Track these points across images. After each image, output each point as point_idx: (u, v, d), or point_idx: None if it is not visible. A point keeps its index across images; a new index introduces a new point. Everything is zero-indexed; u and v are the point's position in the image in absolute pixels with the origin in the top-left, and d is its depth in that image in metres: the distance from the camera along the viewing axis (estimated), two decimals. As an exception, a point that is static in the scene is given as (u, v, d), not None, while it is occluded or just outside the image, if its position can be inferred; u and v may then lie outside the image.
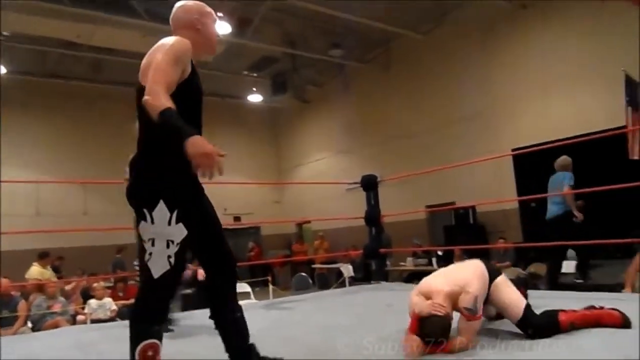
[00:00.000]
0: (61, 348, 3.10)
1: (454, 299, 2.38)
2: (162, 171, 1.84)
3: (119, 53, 11.39)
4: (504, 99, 10.43)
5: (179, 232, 1.81)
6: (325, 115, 15.51)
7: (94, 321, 6.23)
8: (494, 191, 9.81)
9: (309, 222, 15.56)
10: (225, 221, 14.57)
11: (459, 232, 10.75)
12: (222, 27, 10.58)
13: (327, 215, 11.97)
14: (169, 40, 1.91)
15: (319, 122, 15.88)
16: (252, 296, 7.64)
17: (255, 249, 15.08)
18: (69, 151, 13.19)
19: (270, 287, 8.54)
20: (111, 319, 6.27)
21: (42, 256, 8.51)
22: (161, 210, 1.79)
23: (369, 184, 5.76)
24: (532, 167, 9.43)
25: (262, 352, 2.17)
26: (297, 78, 14.09)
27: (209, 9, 2.17)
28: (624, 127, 7.07)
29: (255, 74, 14.54)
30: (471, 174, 10.24)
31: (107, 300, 6.79)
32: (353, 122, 13.87)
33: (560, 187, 6.01)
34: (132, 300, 7.69)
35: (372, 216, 5.72)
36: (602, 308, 2.49)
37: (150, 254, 1.80)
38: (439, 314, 2.30)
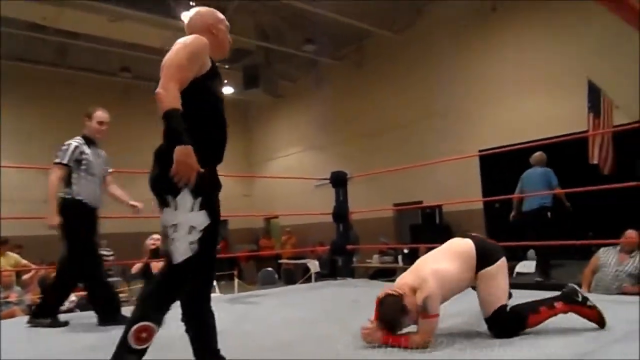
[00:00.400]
0: (12, 339, 2.99)
1: (413, 291, 2.42)
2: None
3: (86, 38, 11.07)
4: (473, 100, 10.61)
5: (202, 219, 1.86)
6: (297, 110, 15.46)
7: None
8: (461, 191, 9.97)
9: (277, 217, 15.51)
10: (192, 214, 14.58)
11: (425, 231, 10.88)
12: (195, 17, 10.42)
13: (295, 211, 11.94)
14: (186, 38, 1.99)
15: (291, 118, 15.83)
16: (217, 290, 7.56)
17: (221, 242, 14.94)
18: (33, 137, 12.74)
19: (236, 281, 8.47)
20: (69, 310, 6.09)
21: (1, 243, 8.18)
22: (184, 197, 1.84)
23: (338, 181, 5.77)
24: (498, 168, 9.64)
25: (225, 347, 2.15)
26: (270, 72, 13.98)
27: (222, 16, 2.30)
28: (586, 131, 7.31)
29: (227, 66, 14.34)
30: (439, 173, 10.40)
31: (66, 291, 6.59)
32: (325, 118, 13.86)
33: (543, 182, 6.24)
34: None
35: (341, 213, 5.73)
36: (583, 302, 2.46)
37: (172, 239, 1.84)
38: (394, 293, 2.39)
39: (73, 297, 6.57)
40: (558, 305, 2.47)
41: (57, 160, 3.44)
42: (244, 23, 11.51)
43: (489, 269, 2.51)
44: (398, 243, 11.13)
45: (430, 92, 11.35)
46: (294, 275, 10.80)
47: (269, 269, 9.83)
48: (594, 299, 2.55)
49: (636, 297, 3.86)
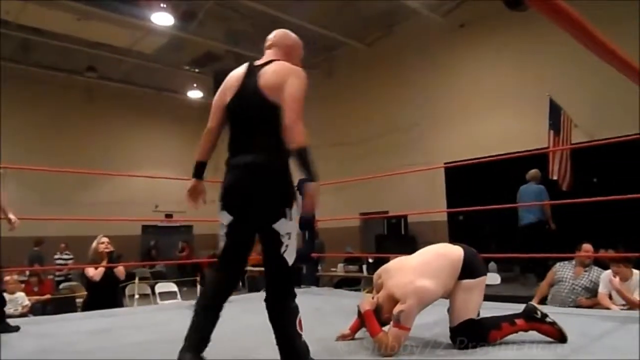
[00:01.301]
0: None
1: (395, 301, 2.49)
2: (290, 174, 2.16)
3: (50, 35, 10.77)
4: (440, 114, 10.81)
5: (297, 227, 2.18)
6: (265, 117, 15.37)
7: (2, 317, 5.78)
8: (426, 203, 10.11)
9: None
10: (157, 218, 14.12)
11: (390, 241, 10.98)
12: (165, 19, 10.27)
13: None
14: (300, 71, 2.21)
15: (259, 124, 15.73)
16: (178, 296, 7.42)
17: (186, 248, 14.69)
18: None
19: (199, 287, 8.32)
20: (22, 315, 5.86)
21: None
22: (293, 210, 2.13)
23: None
24: (462, 181, 9.85)
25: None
26: (240, 77, 13.88)
27: (300, 43, 2.51)
28: (547, 148, 7.54)
29: (196, 70, 14.20)
30: (405, 184, 10.53)
31: (20, 294, 6.33)
32: (293, 126, 13.82)
33: (538, 197, 6.72)
34: (47, 296, 7.28)
35: (306, 221, 5.71)
36: (542, 319, 2.52)
37: (287, 246, 2.10)
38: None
39: (27, 301, 6.34)
40: (519, 322, 2.53)
41: None
42: (215, 28, 11.43)
43: (469, 281, 2.55)
44: (363, 252, 11.18)
45: (399, 105, 11.52)
46: (258, 283, 10.69)
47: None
48: (550, 312, 2.62)
49: (590, 310, 3.99)
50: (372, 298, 2.68)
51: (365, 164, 11.37)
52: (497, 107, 9.89)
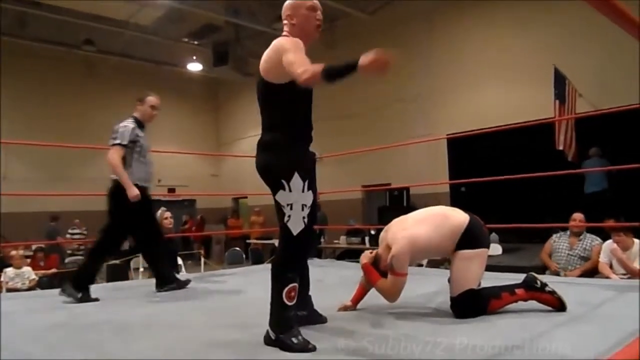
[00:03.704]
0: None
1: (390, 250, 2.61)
2: (294, 149, 2.22)
3: (47, 8, 10.62)
4: (444, 85, 10.70)
5: (310, 197, 2.22)
6: (267, 89, 15.24)
7: (10, 290, 5.88)
8: (429, 174, 10.10)
9: (246, 196, 15.42)
10: (159, 192, 14.23)
11: (392, 213, 10.97)
12: (163, -11, 10.11)
13: (264, 191, 11.83)
14: (284, 42, 2.25)
15: (261, 97, 15.60)
16: (183, 269, 7.49)
17: (189, 222, 14.79)
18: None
19: (202, 260, 8.40)
20: (30, 289, 5.95)
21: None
22: (296, 180, 2.17)
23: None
24: (465, 152, 9.81)
25: (186, 324, 2.18)
26: (240, 49, 13.72)
27: (302, 2, 2.43)
28: (552, 118, 7.48)
29: (195, 42, 14.03)
30: (408, 156, 10.50)
31: (26, 269, 6.42)
32: (295, 98, 13.71)
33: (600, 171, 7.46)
34: (53, 270, 7.37)
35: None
36: (542, 288, 2.53)
37: (289, 216, 2.18)
38: (369, 253, 2.81)
39: (33, 276, 6.42)
40: (519, 291, 2.55)
41: (117, 142, 3.59)
42: (214, -2, 11.25)
43: (468, 251, 2.57)
44: (366, 224, 11.24)
45: (402, 76, 11.36)
46: (262, 255, 10.80)
47: (237, 248, 9.79)
48: (550, 281, 2.64)
49: (590, 280, 4.03)
50: (371, 252, 2.82)
51: (368, 136, 11.31)
52: (501, 77, 9.78)
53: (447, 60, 10.66)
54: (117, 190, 3.56)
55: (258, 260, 9.52)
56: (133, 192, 3.48)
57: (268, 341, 2.16)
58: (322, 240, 10.14)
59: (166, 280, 3.78)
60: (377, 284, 2.65)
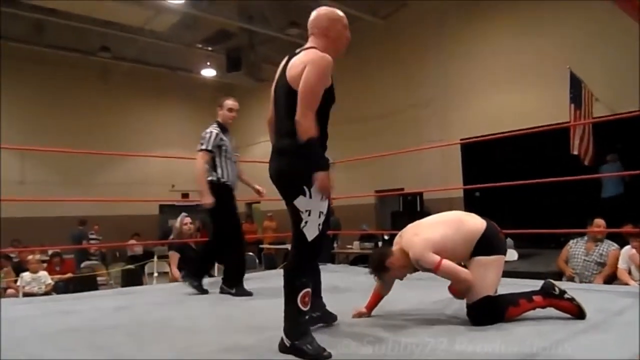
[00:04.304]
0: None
1: (404, 252, 2.64)
2: (313, 156, 2.22)
3: (63, 15, 10.77)
4: (456, 90, 10.63)
5: (326, 205, 2.26)
6: (280, 95, 15.28)
7: (26, 295, 5.94)
8: (442, 179, 10.03)
9: (258, 202, 15.44)
10: (173, 198, 14.31)
11: (405, 218, 10.95)
12: (177, -4, 10.21)
13: (277, 196, 11.84)
14: (319, 59, 2.24)
15: (274, 102, 15.65)
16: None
17: (201, 227, 14.82)
18: (6, 116, 12.40)
19: (216, 265, 8.41)
20: (46, 293, 6.01)
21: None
22: (314, 188, 2.18)
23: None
24: (479, 157, 9.73)
25: (202, 329, 2.17)
26: (253, 55, 13.77)
27: (338, 15, 2.57)
28: (567, 122, 7.38)
29: (209, 48, 14.12)
30: (421, 161, 10.44)
31: (43, 273, 6.48)
32: (308, 103, 13.72)
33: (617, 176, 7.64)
34: (69, 275, 7.46)
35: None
36: (561, 295, 2.49)
37: (306, 222, 2.21)
38: (385, 250, 2.79)
39: (49, 280, 6.49)
40: (537, 298, 2.51)
41: (203, 147, 3.86)
42: (228, 5, 11.32)
43: (484, 257, 2.54)
44: (379, 229, 11.18)
45: (414, 80, 11.35)
46: (275, 260, 10.79)
47: (250, 253, 9.80)
48: (568, 287, 2.59)
49: (609, 286, 3.96)
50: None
51: (381, 141, 11.28)
52: (515, 81, 9.69)
53: (460, 64, 10.60)
54: (213, 192, 3.77)
55: (271, 266, 9.53)
56: (208, 199, 3.71)
57: (283, 349, 2.15)
58: (335, 245, 10.10)
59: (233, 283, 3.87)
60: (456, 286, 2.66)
